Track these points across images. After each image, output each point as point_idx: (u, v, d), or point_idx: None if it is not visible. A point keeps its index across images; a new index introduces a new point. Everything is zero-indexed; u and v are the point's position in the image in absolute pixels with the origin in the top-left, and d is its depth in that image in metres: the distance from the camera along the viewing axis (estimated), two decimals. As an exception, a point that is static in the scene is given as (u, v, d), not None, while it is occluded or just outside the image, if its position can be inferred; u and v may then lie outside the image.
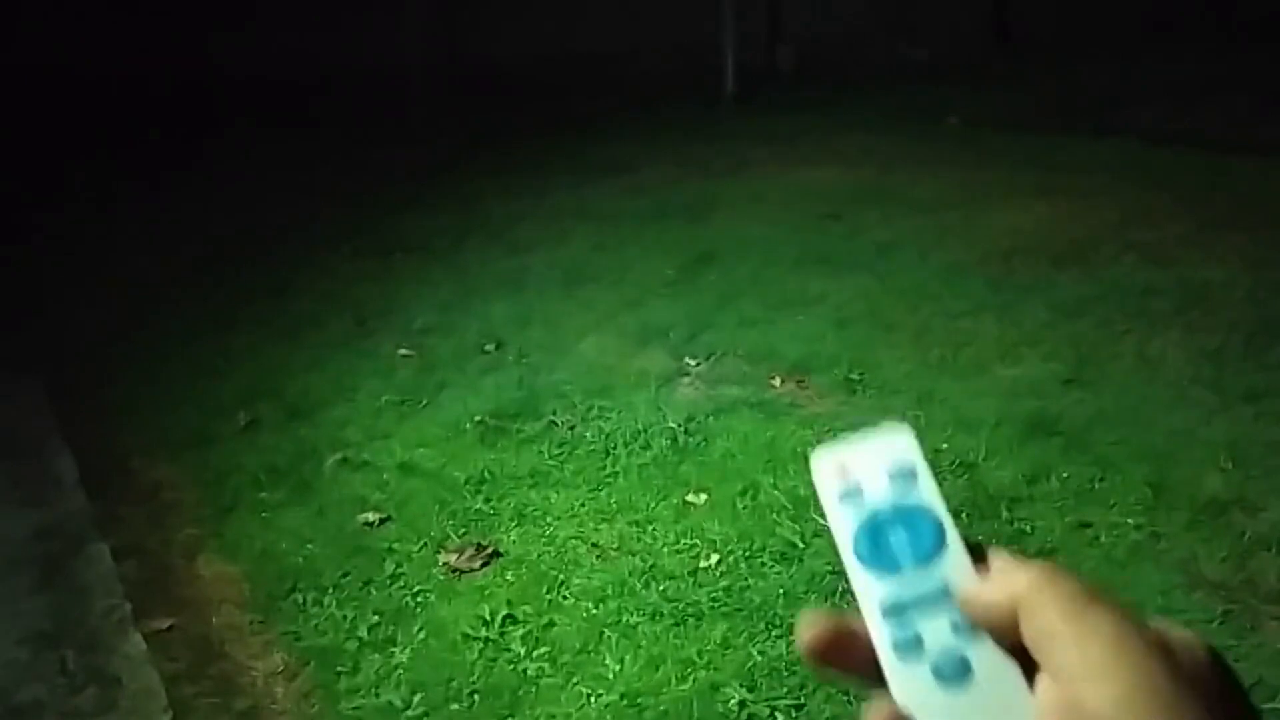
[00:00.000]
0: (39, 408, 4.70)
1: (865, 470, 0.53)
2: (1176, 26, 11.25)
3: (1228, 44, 10.32)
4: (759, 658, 2.73)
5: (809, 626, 0.49)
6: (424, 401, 4.35)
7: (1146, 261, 5.15)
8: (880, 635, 0.48)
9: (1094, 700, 0.40)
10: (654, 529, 3.33)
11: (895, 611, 0.49)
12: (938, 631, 0.49)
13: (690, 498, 3.48)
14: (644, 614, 2.94)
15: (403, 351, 4.84)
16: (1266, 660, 2.62)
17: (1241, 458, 3.42)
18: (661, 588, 3.04)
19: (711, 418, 3.98)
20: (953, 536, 0.51)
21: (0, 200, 7.78)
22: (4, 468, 4.17)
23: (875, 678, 0.48)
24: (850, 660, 0.49)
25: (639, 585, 3.06)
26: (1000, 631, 0.45)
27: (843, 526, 0.52)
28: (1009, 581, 0.45)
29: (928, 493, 0.52)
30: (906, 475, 0.53)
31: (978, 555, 0.50)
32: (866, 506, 0.52)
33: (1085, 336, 4.40)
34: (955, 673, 0.47)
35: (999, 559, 0.48)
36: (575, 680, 2.74)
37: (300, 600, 3.18)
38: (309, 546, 3.44)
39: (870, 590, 0.50)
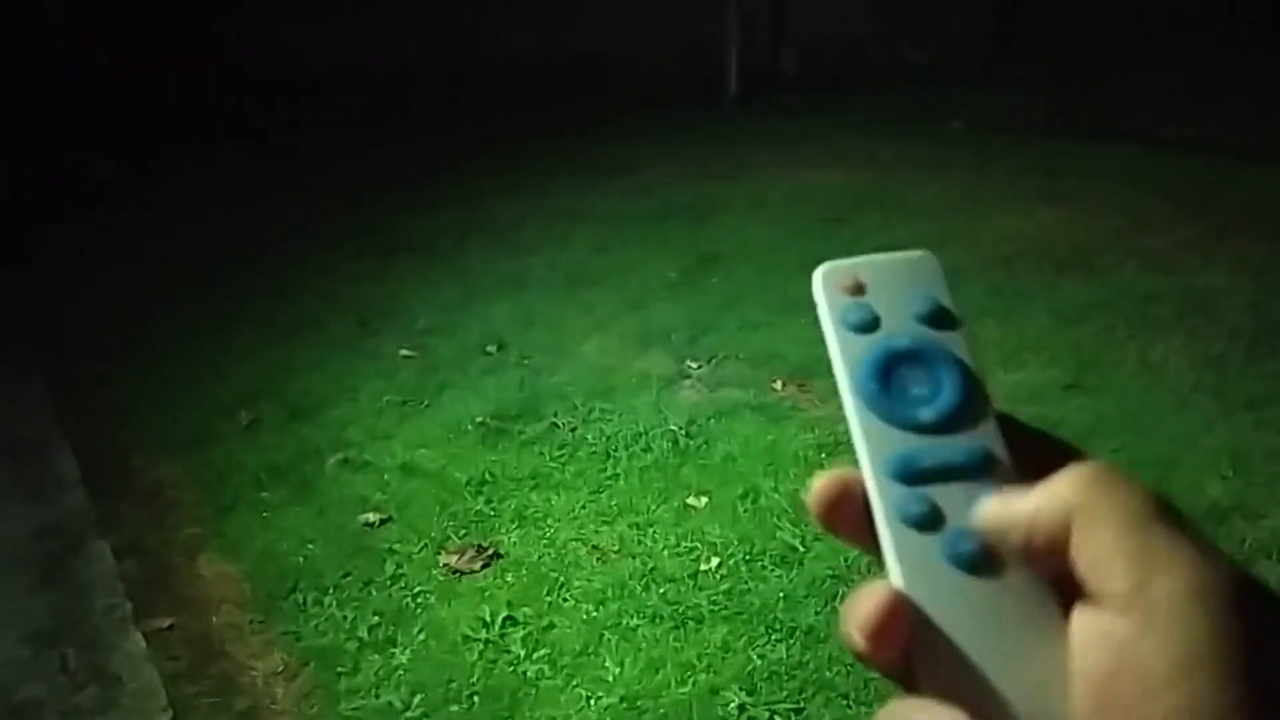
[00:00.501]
0: (40, 405, 4.71)
1: (885, 294, 0.44)
2: (1180, 32, 11.25)
3: (1231, 50, 10.32)
4: (759, 661, 2.73)
5: (821, 480, 0.42)
6: (425, 402, 4.35)
7: (1149, 268, 5.15)
8: (883, 500, 0.40)
9: (1147, 655, 0.33)
10: (654, 532, 3.33)
11: (905, 474, 0.41)
12: (959, 508, 0.40)
13: (691, 501, 3.48)
14: (644, 617, 2.94)
15: (404, 352, 4.85)
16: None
17: (1242, 465, 3.42)
18: (662, 590, 3.04)
19: (713, 420, 3.99)
20: (985, 402, 0.42)
21: (3, 199, 7.78)
22: (5, 465, 4.17)
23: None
24: (858, 526, 0.41)
25: (639, 588, 3.07)
26: (1043, 551, 0.36)
27: (847, 354, 0.43)
28: (1060, 487, 0.36)
29: (959, 343, 0.43)
30: (936, 312, 0.43)
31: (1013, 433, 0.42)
32: (881, 337, 0.43)
33: (1087, 342, 4.41)
34: (975, 559, 0.39)
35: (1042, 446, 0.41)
36: (575, 682, 2.74)
37: (301, 600, 3.18)
38: (310, 546, 3.44)
39: (876, 441, 0.41)
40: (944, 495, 0.40)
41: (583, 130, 9.60)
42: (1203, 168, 6.85)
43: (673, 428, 3.94)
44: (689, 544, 3.25)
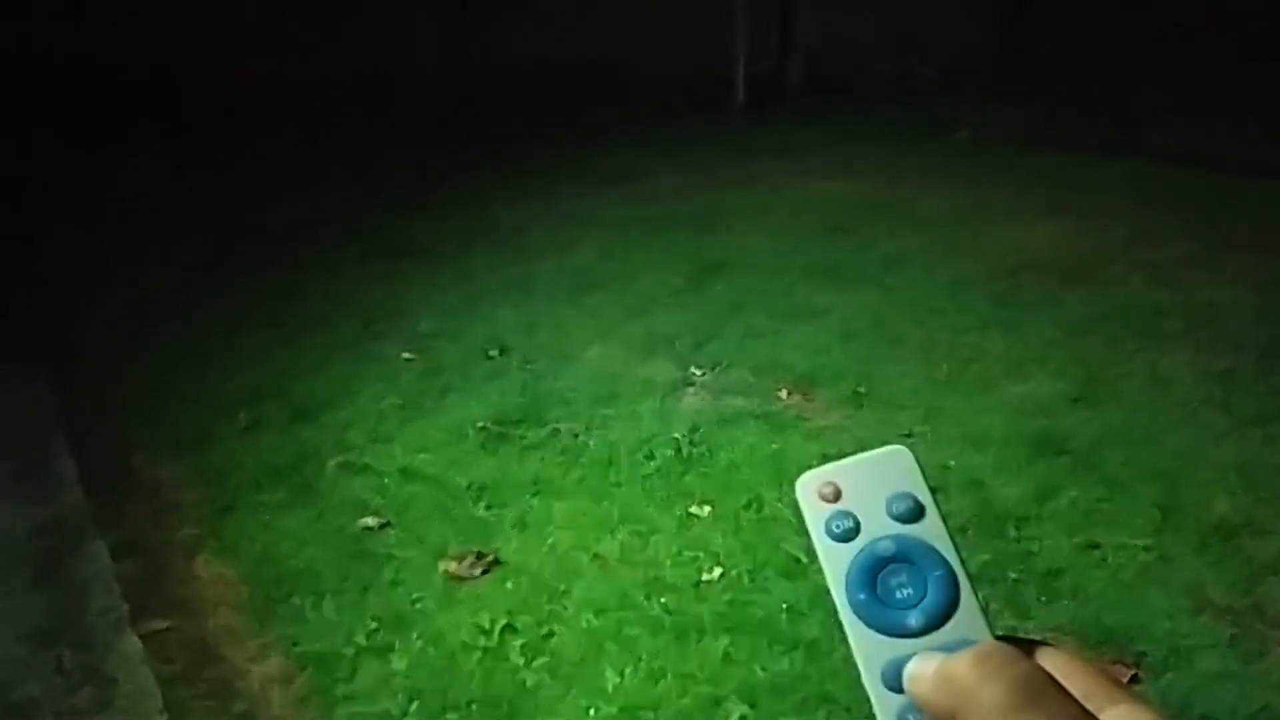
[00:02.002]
0: (42, 403, 4.69)
1: (862, 497, 0.46)
2: (1188, 46, 11.24)
3: (1238, 65, 10.31)
4: (761, 674, 2.70)
5: None
6: (427, 406, 4.33)
7: (1155, 281, 5.13)
8: (882, 711, 0.43)
9: None
10: (656, 540, 3.30)
11: (900, 682, 0.43)
12: None
13: (694, 510, 3.46)
14: (645, 626, 2.92)
15: (407, 355, 4.83)
16: (1273, 687, 2.60)
17: (1250, 481, 3.39)
18: (663, 600, 3.02)
19: (716, 429, 3.96)
20: (966, 590, 0.45)
21: (9, 197, 7.77)
22: (5, 463, 4.15)
23: None
24: None
25: (640, 597, 3.04)
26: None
27: (834, 564, 0.45)
28: (949, 671, 0.41)
29: (935, 532, 0.45)
30: (911, 509, 0.46)
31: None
32: (863, 540, 0.45)
33: (1093, 355, 4.38)
34: None
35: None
36: (574, 692, 2.71)
37: (298, 604, 3.16)
38: (308, 550, 3.42)
39: (869, 651, 0.44)
40: None
41: (589, 137, 9.59)
42: (1209, 182, 6.83)
43: (676, 435, 3.91)
44: (691, 553, 3.22)
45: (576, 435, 4.00)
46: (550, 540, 3.36)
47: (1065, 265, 5.42)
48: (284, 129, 9.56)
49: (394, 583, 3.22)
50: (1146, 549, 3.10)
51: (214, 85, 10.11)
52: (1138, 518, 3.24)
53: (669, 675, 2.73)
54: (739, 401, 4.19)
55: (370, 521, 3.53)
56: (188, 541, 3.58)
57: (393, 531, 3.48)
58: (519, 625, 2.97)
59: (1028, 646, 0.44)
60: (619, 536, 3.35)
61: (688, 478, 3.66)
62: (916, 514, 0.46)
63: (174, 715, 2.80)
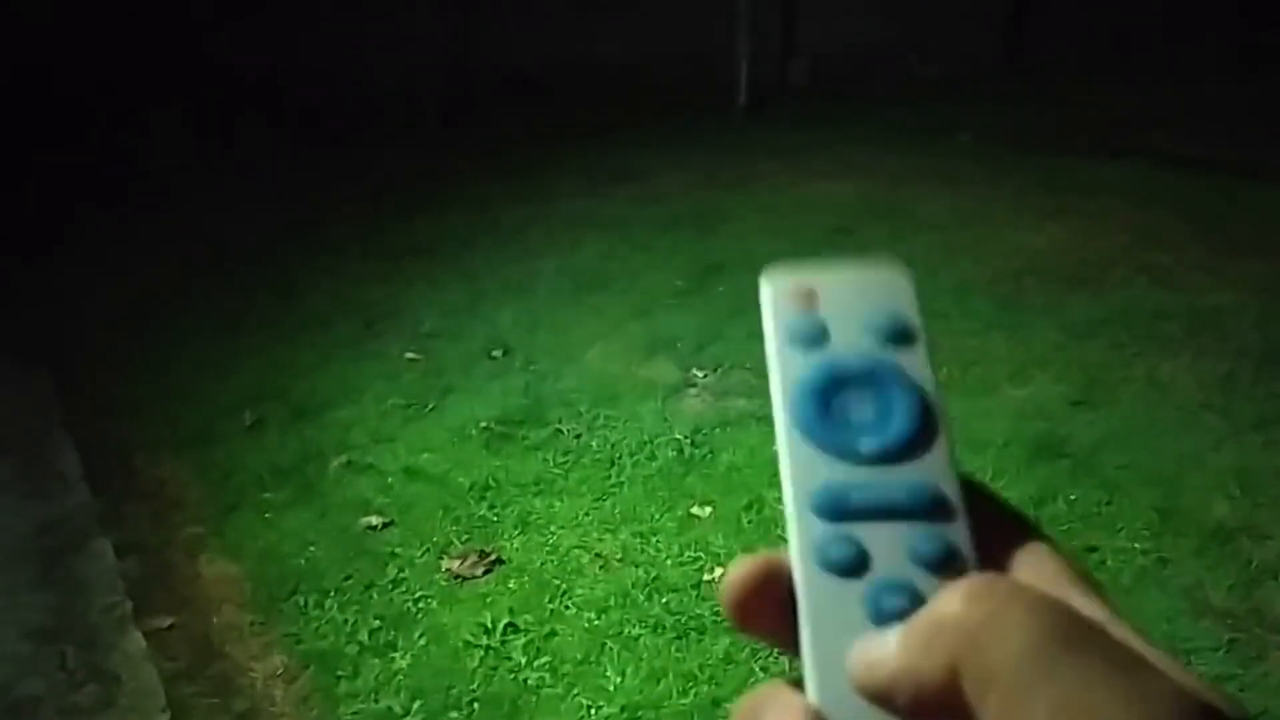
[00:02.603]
0: (45, 402, 4.70)
1: (838, 307, 0.38)
2: (1192, 49, 11.25)
3: (1243, 68, 10.31)
4: (761, 674, 2.71)
5: (738, 567, 0.35)
6: (430, 406, 4.34)
7: (1157, 285, 5.14)
8: (801, 539, 0.35)
9: None
10: (658, 541, 3.32)
11: (832, 509, 0.35)
12: (890, 554, 0.34)
13: (695, 510, 3.47)
14: (646, 626, 2.93)
15: (410, 355, 4.84)
16: (1272, 690, 2.61)
17: (1250, 485, 3.40)
18: (664, 600, 3.03)
19: (718, 430, 3.97)
20: (941, 431, 0.36)
21: (12, 195, 7.79)
22: (8, 461, 4.17)
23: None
24: (782, 622, 0.34)
25: (642, 597, 3.05)
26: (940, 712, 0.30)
27: (786, 373, 0.38)
28: (939, 617, 0.31)
29: (919, 364, 0.37)
30: (895, 329, 0.38)
31: (988, 506, 0.36)
32: (828, 356, 0.37)
33: (1095, 359, 4.39)
34: (903, 616, 0.32)
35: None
36: (576, 691, 2.73)
37: (301, 602, 3.18)
38: (311, 548, 3.43)
39: (803, 471, 0.36)
40: (875, 538, 0.35)
41: (592, 137, 9.60)
42: (1213, 186, 6.83)
43: (677, 436, 3.93)
44: (692, 554, 3.23)
45: (578, 435, 4.01)
46: (552, 540, 3.37)
47: (1068, 268, 5.43)
48: (286, 127, 9.57)
49: (396, 581, 3.23)
50: (1145, 552, 3.11)
51: (215, 83, 10.12)
52: (1137, 521, 3.25)
53: (670, 675, 2.75)
54: (741, 403, 4.20)
55: (373, 520, 3.54)
56: (191, 540, 3.60)
57: (395, 530, 3.50)
58: (521, 624, 2.99)
59: (994, 509, 0.36)
60: (620, 536, 3.36)
61: (689, 478, 3.67)
62: (899, 338, 0.38)
63: (176, 713, 2.81)
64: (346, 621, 3.07)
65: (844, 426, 0.36)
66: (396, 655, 2.92)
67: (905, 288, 0.39)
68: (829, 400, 0.37)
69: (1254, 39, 11.01)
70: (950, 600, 0.31)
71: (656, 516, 3.45)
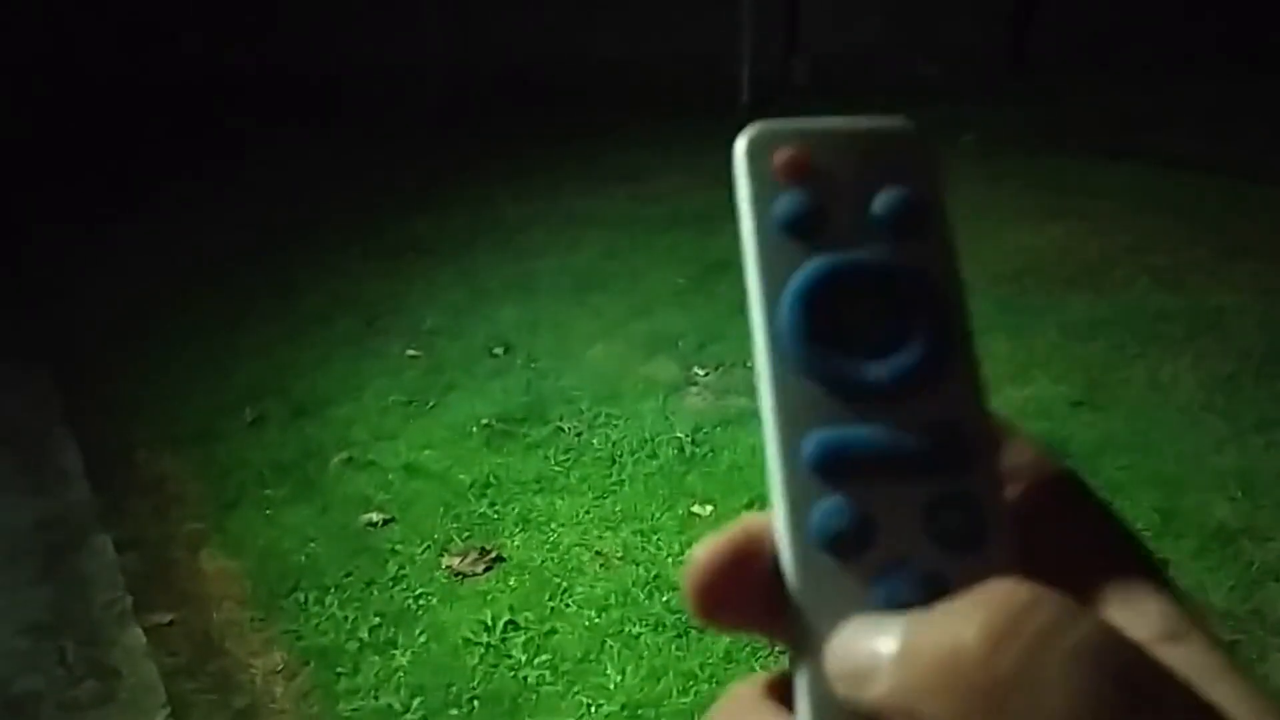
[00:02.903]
0: (46, 397, 4.70)
1: (839, 181, 0.30)
2: (1195, 51, 11.24)
3: (1246, 70, 10.31)
4: (762, 673, 2.71)
5: (705, 548, 0.29)
6: (431, 403, 4.34)
7: (1159, 286, 5.13)
8: (790, 505, 0.28)
9: None
10: (659, 539, 3.32)
11: (829, 463, 0.28)
12: (904, 524, 0.27)
13: (696, 509, 3.47)
14: (647, 625, 2.93)
15: (411, 352, 4.84)
16: (1273, 692, 2.59)
17: (1251, 487, 3.40)
18: (665, 598, 3.03)
19: (719, 429, 3.97)
20: (965, 353, 0.29)
21: (14, 192, 7.79)
22: (10, 456, 4.17)
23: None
24: (764, 606, 0.28)
25: (642, 595, 3.05)
26: None
27: (770, 270, 0.29)
28: (949, 650, 0.24)
29: (941, 259, 0.30)
30: (912, 213, 0.30)
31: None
32: (824, 250, 0.29)
33: (1096, 359, 4.39)
34: (920, 601, 0.26)
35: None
36: (576, 689, 2.72)
37: (301, 599, 3.17)
38: (312, 545, 3.43)
39: (794, 410, 0.29)
40: (882, 501, 0.28)
41: (594, 135, 9.59)
42: (1215, 188, 6.83)
43: (679, 435, 3.92)
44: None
45: (579, 434, 4.01)
46: (553, 538, 3.37)
47: (1070, 269, 5.43)
48: (288, 124, 9.57)
49: (397, 579, 3.23)
50: (1147, 553, 3.11)
51: (214, 82, 10.12)
52: (1138, 522, 3.25)
53: (670, 673, 2.75)
54: (742, 402, 4.20)
55: (374, 517, 3.54)
56: (191, 536, 3.60)
57: (396, 527, 3.50)
58: (521, 622, 2.99)
59: (1033, 458, 0.30)
60: (621, 535, 3.36)
61: (690, 477, 3.67)
62: (917, 223, 0.30)
63: (176, 708, 2.81)
64: (347, 618, 3.07)
65: (843, 349, 0.29)
66: (397, 652, 2.92)
67: (925, 155, 0.31)
68: (825, 312, 0.29)
69: (1257, 40, 11.00)
70: (967, 628, 0.24)
71: (657, 515, 3.45)
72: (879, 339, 0.29)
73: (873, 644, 0.25)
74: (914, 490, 0.28)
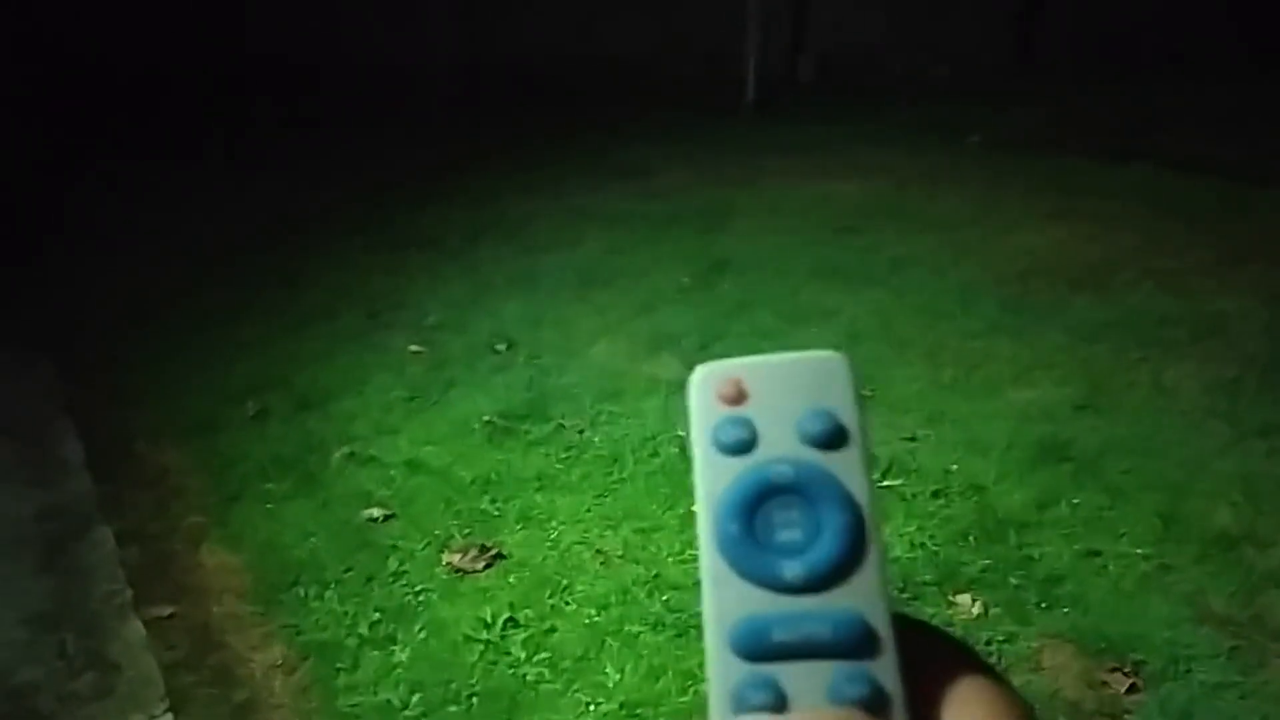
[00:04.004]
0: (49, 388, 4.71)
1: (768, 405, 0.35)
2: (1201, 53, 11.21)
3: (1253, 73, 10.28)
4: (761, 673, 2.71)
5: None
6: (433, 399, 4.34)
7: (1163, 289, 5.12)
8: (719, 682, 0.34)
9: None
10: (659, 538, 3.31)
11: (752, 647, 0.34)
12: (813, 699, 0.33)
13: (696, 508, 3.45)
14: (646, 623, 2.93)
15: (413, 347, 4.84)
16: (1272, 698, 2.60)
17: (1253, 492, 3.39)
18: (665, 598, 3.03)
19: (721, 428, 3.96)
20: (872, 551, 0.34)
21: (20, 182, 7.79)
22: (11, 447, 4.17)
23: None
24: None
25: (642, 594, 3.05)
26: None
27: (710, 483, 0.35)
28: None
29: (854, 469, 0.35)
30: (828, 430, 0.35)
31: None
32: (754, 464, 0.35)
33: (1099, 362, 4.38)
34: None
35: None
36: (575, 687, 2.72)
37: (302, 594, 3.17)
38: (312, 540, 3.43)
39: (725, 600, 0.35)
40: (795, 680, 0.33)
41: (598, 131, 9.58)
42: (1220, 191, 6.82)
43: (680, 434, 3.92)
44: (694, 552, 3.20)
45: (581, 431, 4.01)
46: (553, 535, 3.37)
47: (1074, 271, 5.42)
48: (293, 118, 9.56)
49: (397, 574, 3.23)
50: (1147, 558, 3.10)
51: (220, 74, 10.11)
52: (1140, 526, 3.24)
53: (669, 672, 2.74)
54: (744, 401, 4.19)
55: (375, 513, 3.54)
56: (192, 529, 3.60)
57: (397, 523, 3.50)
58: (521, 619, 2.99)
59: (927, 642, 0.35)
60: (622, 533, 3.36)
61: (691, 476, 3.66)
62: (833, 439, 0.35)
63: (175, 702, 2.81)
64: (346, 613, 3.07)
65: (768, 548, 0.34)
66: (396, 648, 2.92)
67: (842, 379, 0.36)
68: (754, 515, 0.34)
69: (1264, 43, 10.97)
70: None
71: (658, 514, 3.45)
72: (798, 539, 0.34)
73: None
74: (822, 671, 0.33)
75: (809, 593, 0.34)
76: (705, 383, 0.36)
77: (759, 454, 0.35)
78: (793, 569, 0.34)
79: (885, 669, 0.33)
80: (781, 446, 0.35)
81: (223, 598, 3.23)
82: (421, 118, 10.29)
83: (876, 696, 0.33)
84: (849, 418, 0.35)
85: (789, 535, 0.34)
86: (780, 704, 0.33)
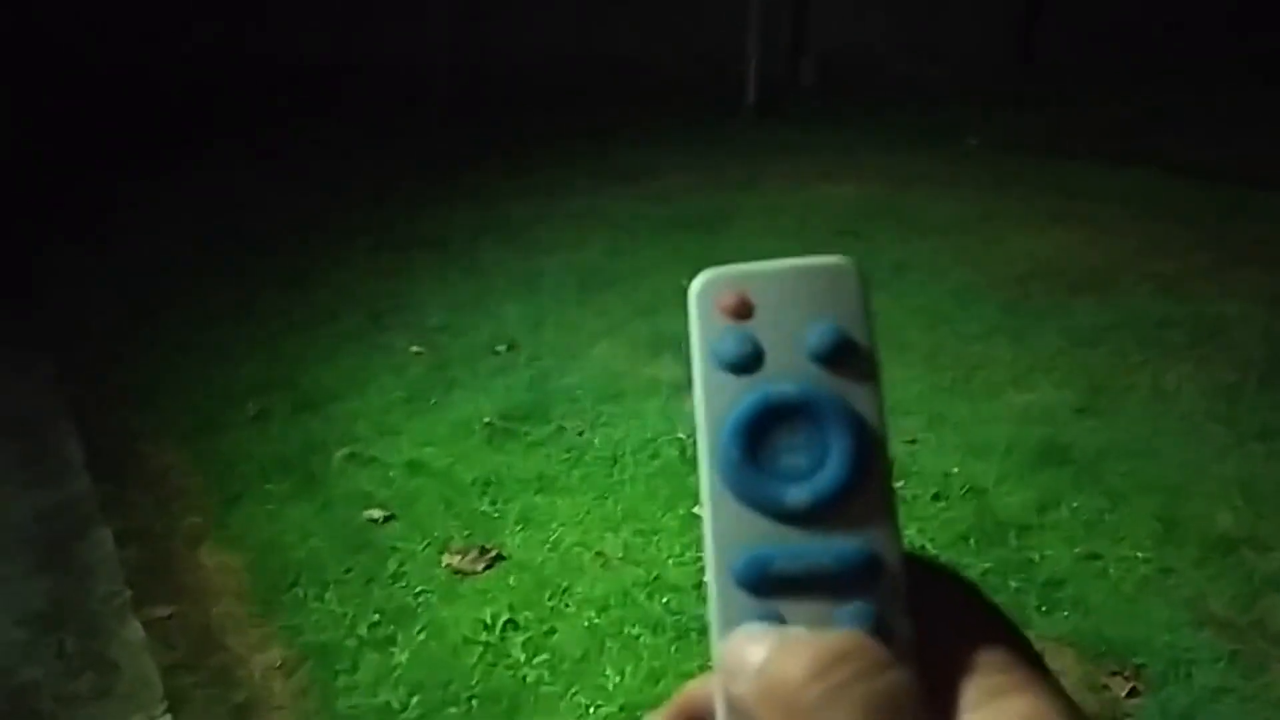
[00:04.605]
0: (50, 387, 4.70)
1: (774, 319, 0.33)
2: (1201, 57, 11.22)
3: (1251, 77, 10.29)
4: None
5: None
6: (434, 400, 4.34)
7: (1163, 293, 5.13)
8: (721, 615, 0.32)
9: None
10: (659, 540, 3.31)
11: (754, 579, 0.32)
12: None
13: (697, 510, 3.43)
14: (646, 626, 2.92)
15: (415, 348, 4.84)
16: (1273, 703, 2.60)
17: (1253, 496, 3.39)
18: (665, 600, 3.03)
19: (721, 430, 3.96)
20: (880, 473, 0.32)
21: (23, 181, 7.79)
22: (12, 447, 4.17)
23: None
24: None
25: (642, 596, 3.05)
26: None
27: (715, 403, 0.33)
28: (777, 678, 0.31)
29: (863, 390, 0.33)
30: (837, 347, 0.33)
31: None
32: (759, 384, 0.33)
33: (1099, 365, 4.38)
34: None
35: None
36: (575, 690, 2.72)
37: (301, 595, 3.17)
38: (312, 541, 3.43)
39: (726, 529, 0.33)
40: (801, 616, 0.31)
41: (600, 133, 9.59)
42: (1220, 194, 6.82)
43: (681, 436, 3.92)
44: (694, 554, 3.23)
45: (581, 433, 4.01)
46: (553, 537, 3.37)
47: (1074, 274, 5.42)
48: (294, 119, 9.56)
49: (397, 575, 3.23)
50: (1148, 561, 3.11)
51: (224, 73, 10.11)
52: (1139, 530, 3.24)
53: (669, 675, 2.74)
54: (744, 403, 4.19)
55: (375, 514, 3.54)
56: (193, 529, 3.59)
57: (397, 524, 3.50)
58: (521, 621, 2.98)
59: (935, 580, 0.34)
60: (622, 535, 3.35)
61: (691, 478, 3.66)
62: (841, 354, 0.33)
63: (174, 703, 2.81)
64: (346, 615, 3.07)
65: (772, 473, 0.32)
66: (396, 650, 2.91)
67: (853, 292, 0.34)
68: (758, 439, 0.32)
69: (1265, 47, 10.98)
70: (799, 659, 0.30)
71: (658, 516, 3.45)
72: (803, 464, 0.32)
73: (746, 652, 0.31)
74: (828, 603, 0.31)
75: (814, 520, 0.32)
76: (706, 293, 0.34)
77: (763, 372, 0.33)
78: (797, 495, 0.32)
79: (892, 604, 0.32)
80: (786, 363, 0.33)
81: (222, 598, 3.23)
82: (423, 119, 10.30)
83: (884, 631, 0.32)
84: (859, 331, 0.34)
85: (793, 459, 0.32)
86: None
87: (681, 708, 0.35)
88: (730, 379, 0.33)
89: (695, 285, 0.34)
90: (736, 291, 0.34)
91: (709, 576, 0.33)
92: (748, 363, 0.33)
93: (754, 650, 0.31)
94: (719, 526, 0.33)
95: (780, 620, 0.32)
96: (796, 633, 0.31)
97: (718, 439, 0.33)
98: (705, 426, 0.33)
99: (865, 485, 0.32)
